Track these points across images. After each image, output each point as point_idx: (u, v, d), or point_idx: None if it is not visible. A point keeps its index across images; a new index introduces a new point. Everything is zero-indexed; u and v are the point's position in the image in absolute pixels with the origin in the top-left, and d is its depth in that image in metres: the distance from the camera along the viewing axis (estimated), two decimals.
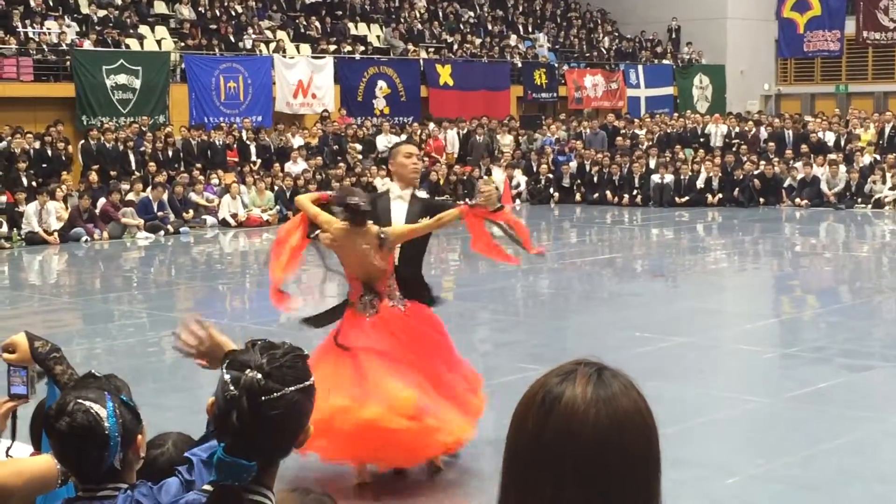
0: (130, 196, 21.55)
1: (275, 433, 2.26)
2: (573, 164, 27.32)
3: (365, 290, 6.75)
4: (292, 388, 2.26)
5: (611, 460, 1.73)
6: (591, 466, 1.73)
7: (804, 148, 27.00)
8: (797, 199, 25.19)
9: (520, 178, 26.77)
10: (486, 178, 6.56)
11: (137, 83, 24.87)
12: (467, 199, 7.10)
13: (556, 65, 32.87)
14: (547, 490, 1.75)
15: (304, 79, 27.58)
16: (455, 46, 32.03)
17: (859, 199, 24.82)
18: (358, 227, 6.62)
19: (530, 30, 35.23)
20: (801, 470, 7.12)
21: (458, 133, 28.44)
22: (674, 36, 36.23)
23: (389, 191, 7.22)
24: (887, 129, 27.28)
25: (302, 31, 29.93)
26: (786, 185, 25.68)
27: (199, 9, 28.56)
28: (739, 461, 7.28)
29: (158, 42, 27.05)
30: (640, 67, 33.86)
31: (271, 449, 2.29)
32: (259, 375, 2.23)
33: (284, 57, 27.83)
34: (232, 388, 2.24)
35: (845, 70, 33.26)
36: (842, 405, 8.59)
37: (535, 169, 27.37)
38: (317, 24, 30.36)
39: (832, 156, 26.11)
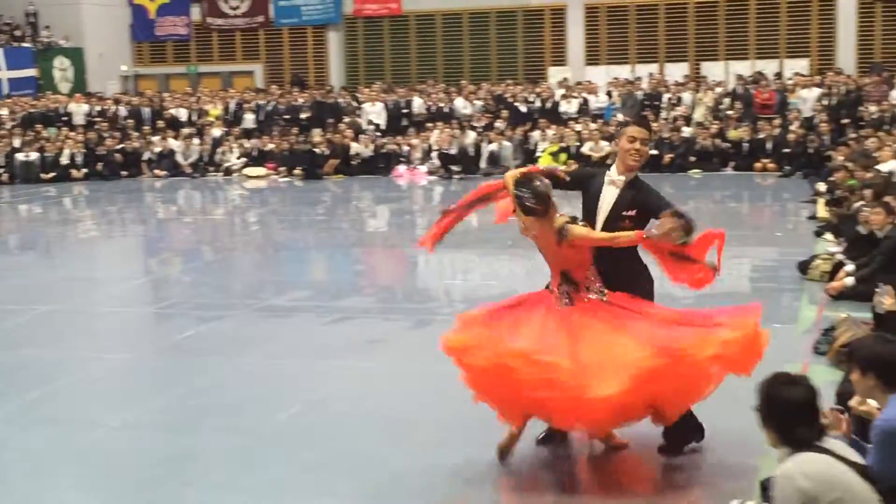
0: None
1: None
2: None
3: (562, 279, 5.88)
4: None
5: None
6: None
7: (161, 123, 27.21)
8: (156, 171, 25.36)
9: None
10: (668, 213, 5.60)
11: None
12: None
13: None
14: None
15: None
16: None
17: (212, 168, 25.54)
18: (542, 217, 5.75)
19: None
20: (162, 415, 7.22)
21: None
22: (32, 20, 34.61)
23: (608, 171, 6.11)
24: (232, 105, 28.20)
25: None
26: (146, 157, 25.73)
27: None
28: (104, 414, 7.23)
29: None
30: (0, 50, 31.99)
31: None
32: None
33: None
34: None
35: (195, 52, 33.75)
36: (198, 352, 8.84)
37: None
38: None
39: (186, 130, 26.60)
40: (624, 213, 5.94)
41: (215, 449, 6.55)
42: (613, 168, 6.11)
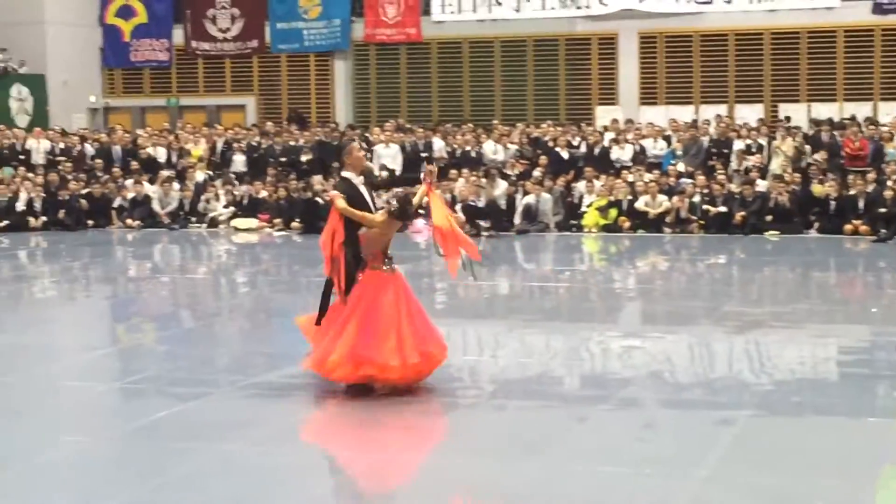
0: None
1: None
2: None
3: (385, 256, 10.02)
4: None
5: None
6: None
7: (134, 164, 27.38)
8: (129, 220, 25.52)
9: None
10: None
11: None
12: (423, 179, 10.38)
13: None
14: None
15: None
16: None
17: (194, 219, 25.65)
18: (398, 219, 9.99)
19: None
20: None
21: None
22: None
23: (351, 179, 10.22)
24: (220, 145, 28.35)
25: None
26: (116, 204, 25.92)
27: None
28: None
29: None
30: None
31: None
32: None
33: None
34: None
35: (176, 81, 34.10)
36: (175, 437, 8.80)
37: None
38: None
39: (164, 173, 26.73)
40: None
41: None
42: (351, 174, 10.28)
